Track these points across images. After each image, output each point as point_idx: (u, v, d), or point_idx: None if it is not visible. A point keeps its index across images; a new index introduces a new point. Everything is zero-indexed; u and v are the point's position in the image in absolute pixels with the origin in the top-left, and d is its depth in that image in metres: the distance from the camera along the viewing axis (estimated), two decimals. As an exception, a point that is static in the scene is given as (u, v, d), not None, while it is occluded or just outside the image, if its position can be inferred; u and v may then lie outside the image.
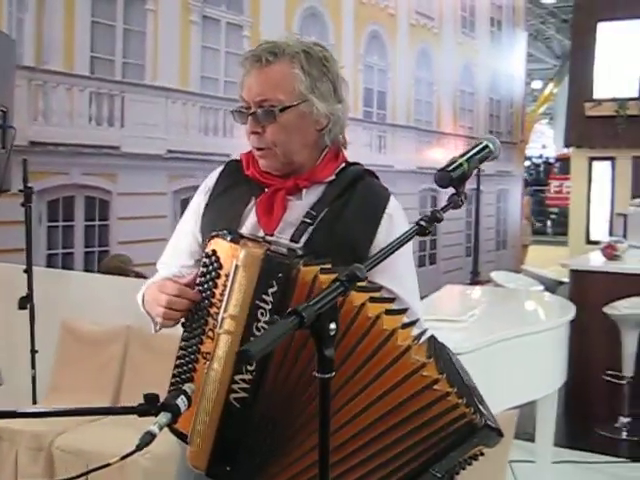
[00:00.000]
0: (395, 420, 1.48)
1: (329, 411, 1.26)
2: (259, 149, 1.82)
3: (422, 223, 1.45)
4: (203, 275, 1.69)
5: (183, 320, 1.77)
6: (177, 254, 2.02)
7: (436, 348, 1.55)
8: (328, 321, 1.24)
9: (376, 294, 1.52)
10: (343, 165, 1.91)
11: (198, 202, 1.97)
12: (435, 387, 1.45)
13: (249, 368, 1.59)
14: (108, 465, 1.51)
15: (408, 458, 1.49)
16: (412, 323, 1.53)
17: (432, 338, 1.56)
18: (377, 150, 9.46)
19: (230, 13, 7.01)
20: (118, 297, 4.39)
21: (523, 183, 27.16)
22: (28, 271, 4.23)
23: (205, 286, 1.69)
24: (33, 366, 4.24)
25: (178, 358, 1.72)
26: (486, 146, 1.66)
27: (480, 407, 1.49)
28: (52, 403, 4.08)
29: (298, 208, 1.82)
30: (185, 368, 1.71)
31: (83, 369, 4.26)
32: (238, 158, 1.95)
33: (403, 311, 1.55)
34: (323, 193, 1.84)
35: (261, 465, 1.63)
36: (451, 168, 1.55)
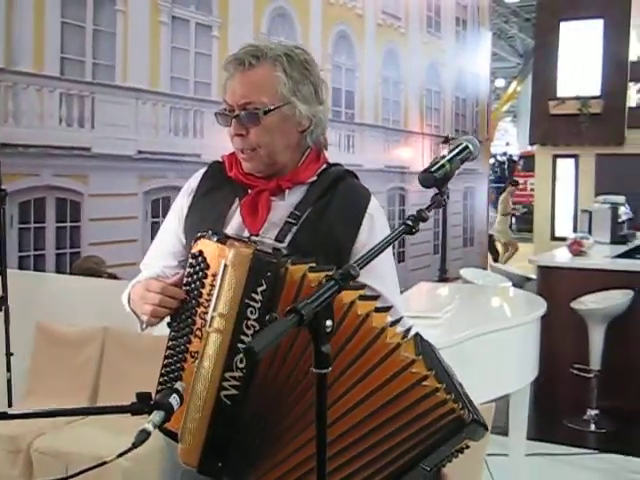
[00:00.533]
0: (386, 416, 1.51)
1: (326, 405, 1.30)
2: (243, 151, 1.85)
3: (409, 222, 1.49)
4: (190, 275, 1.72)
5: (169, 320, 1.80)
6: (160, 255, 2.04)
7: (423, 345, 1.59)
8: (324, 318, 1.28)
9: (364, 292, 1.57)
10: (324, 166, 1.95)
11: (181, 203, 2.00)
12: (424, 383, 1.49)
13: (239, 366, 1.62)
14: (104, 463, 1.53)
15: (399, 453, 1.52)
16: (397, 321, 1.58)
17: (418, 335, 1.60)
18: (346, 149, 9.51)
19: (199, 13, 7.00)
20: (93, 298, 4.40)
21: (506, 178, 27.47)
22: (2, 273, 4.20)
23: (192, 286, 1.71)
24: (8, 369, 4.21)
25: (166, 358, 1.75)
26: (466, 147, 1.72)
27: (466, 401, 1.54)
28: (29, 406, 4.07)
29: (281, 208, 1.86)
30: (174, 367, 1.73)
31: (59, 371, 4.25)
32: (220, 160, 1.98)
33: (388, 309, 1.60)
34: (305, 193, 1.89)
35: (253, 461, 1.66)
36: (434, 169, 1.60)
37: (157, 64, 6.59)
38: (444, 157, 1.65)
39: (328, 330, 1.28)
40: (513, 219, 26.54)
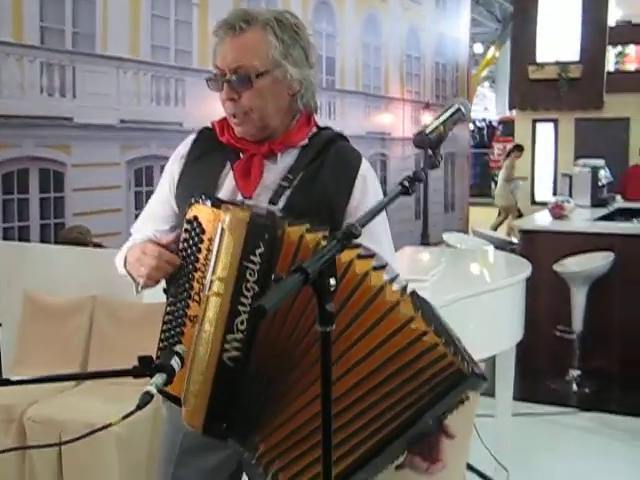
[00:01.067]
0: (388, 372, 1.54)
1: (330, 362, 1.33)
2: (235, 115, 1.86)
3: (405, 183, 1.51)
4: (185, 240, 1.74)
5: (164, 286, 1.82)
6: (152, 219, 2.06)
7: (420, 302, 1.62)
8: (328, 276, 1.30)
9: (361, 251, 1.60)
10: (315, 130, 1.97)
11: (171, 170, 2.01)
12: (424, 339, 1.52)
13: (240, 327, 1.65)
14: (110, 425, 1.55)
15: (402, 407, 1.55)
16: (394, 278, 1.61)
17: (414, 293, 1.63)
18: (327, 116, 9.50)
19: (178, -19, 6.95)
20: (81, 268, 4.40)
21: (485, 143, 27.46)
22: (-12, 244, 4.20)
23: (189, 251, 1.74)
24: (-3, 339, 4.21)
25: (165, 323, 1.78)
26: (458, 109, 1.75)
27: (465, 355, 1.58)
28: (19, 376, 4.08)
29: (274, 172, 1.88)
30: (173, 332, 1.76)
31: (48, 341, 4.25)
32: (210, 126, 1.99)
33: (385, 267, 1.63)
34: (298, 156, 1.90)
35: (258, 422, 1.69)
36: (428, 131, 1.63)
37: (137, 32, 6.55)
38: (437, 119, 1.68)
39: (332, 289, 1.31)
40: (493, 185, 26.73)
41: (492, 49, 29.78)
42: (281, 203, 1.83)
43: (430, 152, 1.66)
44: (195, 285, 1.72)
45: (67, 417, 3.56)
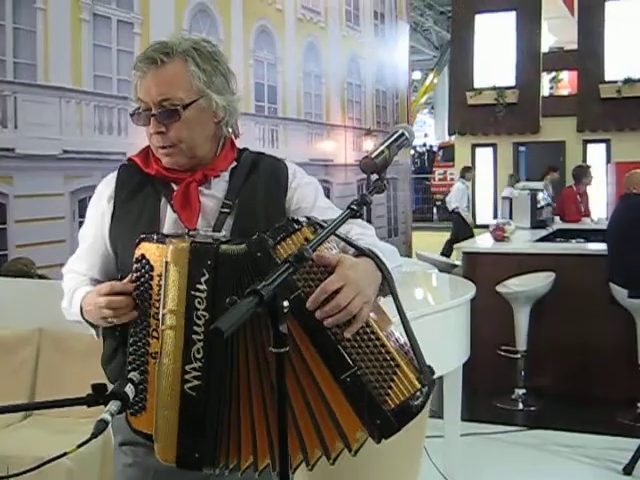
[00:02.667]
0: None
1: (285, 383, 1.36)
2: (163, 147, 1.87)
3: (353, 207, 1.57)
4: (137, 280, 1.77)
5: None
6: (84, 261, 2.03)
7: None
8: (281, 299, 1.34)
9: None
10: (237, 152, 2.01)
11: (100, 212, 1.97)
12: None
13: (197, 356, 1.67)
14: (65, 454, 1.56)
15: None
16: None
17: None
18: (270, 144, 9.53)
19: (120, 10, 6.93)
20: (26, 300, 4.34)
21: (426, 169, 27.77)
22: None
23: (141, 289, 1.76)
24: (-60, 375, 4.13)
25: (129, 364, 1.78)
26: (402, 134, 1.80)
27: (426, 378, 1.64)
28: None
29: (210, 198, 1.91)
30: (138, 371, 1.77)
31: (-6, 374, 4.18)
32: (126, 162, 1.99)
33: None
34: (230, 179, 1.94)
35: (222, 441, 1.71)
36: (374, 155, 1.68)
37: (79, 62, 6.51)
38: (383, 144, 1.73)
39: (285, 310, 1.35)
40: (434, 209, 27.05)
41: (430, 76, 30.32)
42: (226, 230, 1.85)
43: (376, 176, 1.71)
44: (152, 322, 1.75)
45: (14, 452, 3.49)
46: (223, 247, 1.69)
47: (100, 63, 6.68)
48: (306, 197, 1.97)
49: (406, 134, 1.81)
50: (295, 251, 1.39)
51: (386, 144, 1.74)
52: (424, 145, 31.48)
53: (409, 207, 14.89)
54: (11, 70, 5.89)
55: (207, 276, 1.66)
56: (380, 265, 1.69)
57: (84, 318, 1.91)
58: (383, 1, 13.55)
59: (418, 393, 1.60)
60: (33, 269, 5.04)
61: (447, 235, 15.54)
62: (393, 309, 1.68)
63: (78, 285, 1.98)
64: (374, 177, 1.70)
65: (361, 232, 1.89)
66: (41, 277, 5.05)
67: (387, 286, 1.70)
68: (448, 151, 22.70)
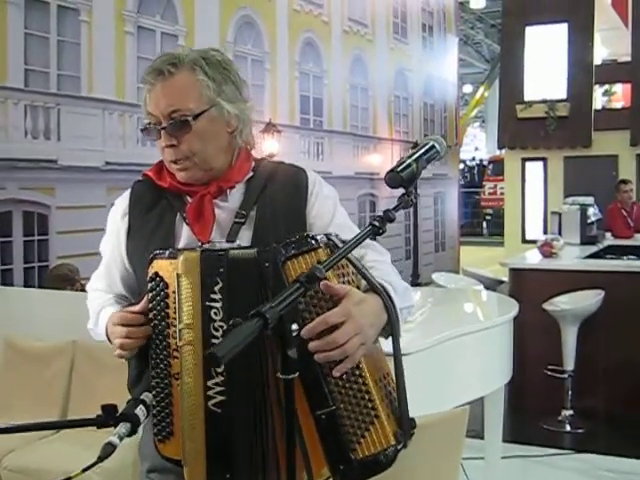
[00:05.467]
0: None
1: (295, 410, 1.27)
2: (176, 162, 1.80)
3: (375, 223, 1.48)
4: (153, 299, 1.70)
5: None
6: (104, 278, 1.97)
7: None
8: (290, 322, 1.25)
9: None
10: (254, 163, 1.93)
11: (116, 229, 1.92)
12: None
13: (218, 370, 1.59)
14: (69, 479, 1.50)
15: None
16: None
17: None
18: (315, 157, 9.50)
19: (165, 23, 6.97)
20: (62, 312, 4.33)
21: (476, 183, 27.63)
22: (-31, 288, 4.15)
23: (158, 309, 1.69)
24: (-24, 385, 4.15)
25: (152, 387, 1.71)
26: (433, 146, 1.70)
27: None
28: (-3, 423, 4.00)
29: (226, 210, 1.84)
30: (162, 395, 1.70)
31: (29, 386, 4.18)
32: (141, 178, 1.92)
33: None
34: (245, 191, 1.86)
35: (259, 461, 1.63)
36: (400, 169, 1.58)
37: (123, 74, 6.55)
38: (410, 157, 1.63)
39: (294, 334, 1.26)
40: (484, 223, 26.78)
41: (481, 89, 30.10)
42: (243, 242, 1.77)
43: (404, 190, 1.61)
44: (172, 342, 1.67)
45: (44, 466, 3.47)
46: (232, 252, 1.63)
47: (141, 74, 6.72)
48: (324, 212, 1.87)
49: (437, 147, 1.71)
50: (305, 271, 1.30)
51: (414, 157, 1.64)
52: (474, 159, 31.25)
53: (457, 221, 14.73)
54: (55, 82, 5.94)
55: (221, 284, 1.60)
56: (388, 306, 1.59)
57: (110, 340, 1.84)
58: (432, 14, 13.49)
59: (390, 449, 1.53)
60: (77, 276, 5.05)
61: (498, 250, 15.37)
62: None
63: (104, 304, 1.92)
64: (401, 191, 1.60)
65: (375, 259, 1.81)
66: (84, 286, 5.05)
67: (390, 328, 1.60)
68: (498, 165, 22.44)
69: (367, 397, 1.52)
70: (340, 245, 1.52)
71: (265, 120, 8.13)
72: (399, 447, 1.53)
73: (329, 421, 1.50)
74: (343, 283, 1.56)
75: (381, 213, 1.50)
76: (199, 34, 7.34)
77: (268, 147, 8.09)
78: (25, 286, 5.76)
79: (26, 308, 4.51)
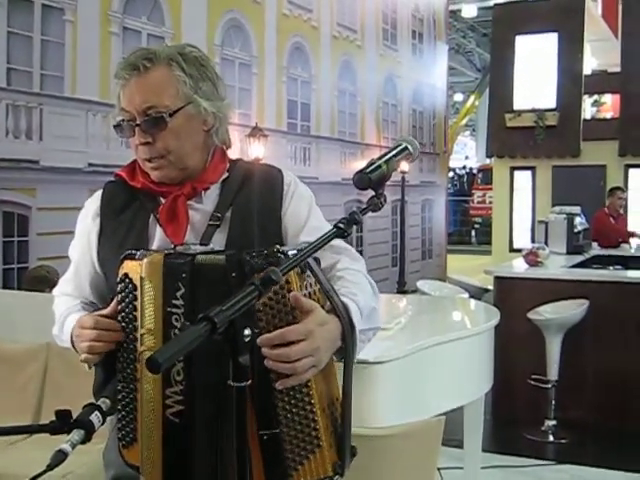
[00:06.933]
0: None
1: (245, 420, 1.22)
2: (150, 160, 1.75)
3: (340, 225, 1.44)
4: (122, 301, 1.66)
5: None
6: (72, 282, 1.93)
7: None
8: (242, 327, 1.20)
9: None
10: (229, 163, 1.89)
11: (87, 231, 1.87)
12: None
13: (177, 378, 1.55)
14: (18, 487, 1.44)
15: None
16: None
17: None
18: (302, 162, 9.46)
19: (151, 24, 6.92)
20: (36, 314, 4.25)
21: (465, 191, 27.68)
22: (-57, 289, 4.08)
23: (126, 310, 1.65)
24: (-53, 388, 4.07)
25: (118, 392, 1.67)
26: (405, 147, 1.66)
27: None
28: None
29: (201, 212, 1.79)
30: (127, 400, 1.66)
31: (2, 390, 4.10)
32: (113, 179, 1.88)
33: None
34: (221, 192, 1.82)
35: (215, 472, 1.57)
36: (369, 170, 1.54)
37: (107, 75, 6.48)
38: (381, 158, 1.58)
39: (247, 340, 1.20)
40: (472, 232, 26.81)
41: (472, 98, 30.17)
42: (218, 245, 1.72)
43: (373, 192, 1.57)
44: (139, 346, 1.62)
45: (11, 471, 3.39)
46: (199, 257, 1.56)
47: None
48: (298, 214, 1.83)
49: (409, 148, 1.67)
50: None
51: (385, 158, 1.59)
52: (464, 167, 31.31)
53: (444, 229, 14.71)
54: (38, 82, 5.89)
55: (183, 290, 1.54)
56: (346, 333, 1.55)
57: (75, 348, 1.79)
58: (421, 21, 13.50)
59: None
60: (56, 278, 4.97)
61: (486, 258, 15.37)
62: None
63: (71, 310, 1.87)
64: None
65: (348, 267, 1.77)
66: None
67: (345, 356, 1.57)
68: (487, 174, 22.49)
69: (312, 425, 1.48)
70: (313, 269, 1.48)
71: (252, 124, 8.09)
72: (335, 478, 1.50)
73: (271, 442, 1.47)
74: (308, 295, 1.51)
75: (347, 215, 1.46)
76: (186, 36, 7.29)
77: (254, 151, 8.05)
78: (4, 288, 5.69)
79: (1, 310, 4.44)
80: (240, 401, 1.22)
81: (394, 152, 1.63)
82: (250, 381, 1.24)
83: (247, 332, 1.20)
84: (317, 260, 1.54)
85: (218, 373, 1.45)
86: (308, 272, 1.49)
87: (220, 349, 1.36)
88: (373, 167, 1.55)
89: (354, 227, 1.48)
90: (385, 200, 1.57)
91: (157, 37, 6.97)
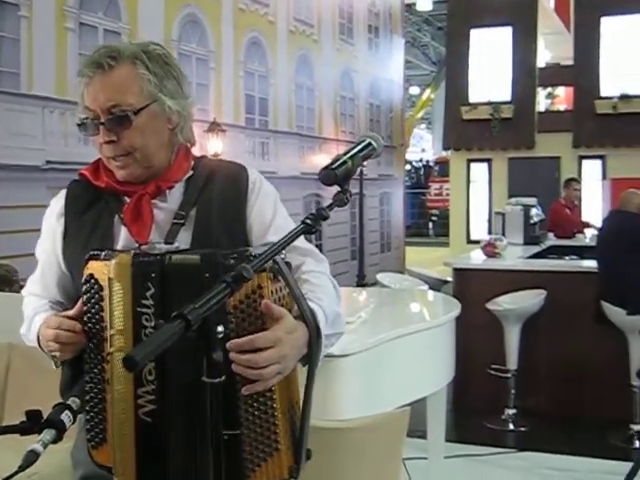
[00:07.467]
0: None
1: (219, 417, 1.24)
2: (115, 158, 1.75)
3: (308, 221, 1.45)
4: (88, 302, 1.66)
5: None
6: (40, 282, 1.93)
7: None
8: (215, 324, 1.22)
9: None
10: (194, 161, 1.89)
11: (52, 230, 1.87)
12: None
13: (149, 378, 1.56)
14: (-7, 490, 1.45)
15: None
16: None
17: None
18: (260, 157, 9.45)
19: (107, 20, 6.85)
20: (-3, 313, 4.21)
21: (422, 184, 27.83)
22: None
23: (92, 311, 1.65)
24: None
25: (86, 392, 1.67)
26: (369, 144, 1.67)
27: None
28: None
29: (165, 210, 1.80)
30: (96, 400, 1.66)
31: (-38, 391, 4.05)
32: (77, 178, 1.88)
33: None
34: (185, 190, 1.82)
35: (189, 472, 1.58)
36: (335, 166, 1.55)
37: (64, 72, 6.41)
38: (346, 154, 1.61)
39: (220, 336, 1.22)
40: (430, 224, 26.99)
41: (428, 91, 30.33)
42: (183, 243, 1.73)
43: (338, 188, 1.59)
44: (106, 346, 1.62)
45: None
46: (173, 257, 1.57)
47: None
48: (264, 212, 1.84)
49: (374, 144, 1.69)
50: (242, 288, 1.27)
51: (350, 154, 1.61)
52: (420, 160, 31.47)
53: (402, 222, 14.80)
54: (-7, 79, 5.80)
55: (153, 290, 1.55)
56: (312, 341, 1.58)
57: (41, 347, 1.80)
58: (377, 15, 13.54)
59: None
60: (15, 277, 4.93)
61: (444, 250, 15.50)
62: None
63: (38, 310, 1.86)
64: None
65: (312, 269, 1.78)
66: (22, 287, 4.93)
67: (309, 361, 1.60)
68: (444, 166, 22.66)
69: (273, 428, 1.51)
70: (279, 260, 1.49)
71: (210, 119, 8.06)
72: None
73: (231, 443, 1.49)
74: (277, 299, 1.53)
75: (314, 211, 1.48)
76: (143, 32, 7.23)
77: (212, 147, 8.02)
78: (-40, 288, 5.61)
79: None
80: (214, 397, 1.23)
81: (358, 148, 1.65)
82: (224, 377, 1.25)
83: (220, 329, 1.22)
84: (289, 265, 1.56)
85: (190, 371, 1.46)
86: (279, 277, 1.51)
87: (191, 347, 1.38)
88: (339, 163, 1.56)
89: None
90: (351, 195, 1.59)
91: (114, 33, 6.91)
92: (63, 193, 1.89)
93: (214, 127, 8.05)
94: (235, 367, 1.43)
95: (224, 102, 8.78)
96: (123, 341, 1.57)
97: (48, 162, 6.29)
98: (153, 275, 1.55)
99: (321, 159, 11.05)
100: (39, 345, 1.80)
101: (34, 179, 6.15)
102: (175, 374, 1.53)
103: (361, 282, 11.83)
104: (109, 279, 1.59)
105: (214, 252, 1.54)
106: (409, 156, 24.69)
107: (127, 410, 1.58)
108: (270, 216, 1.84)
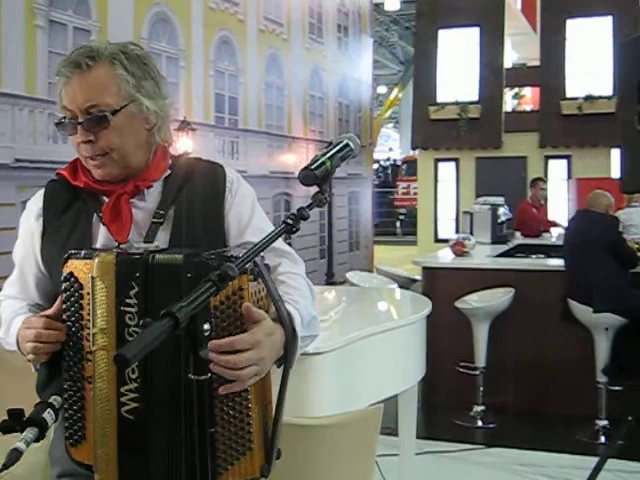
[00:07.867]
0: None
1: (205, 413, 1.26)
2: (93, 158, 1.76)
3: (289, 221, 1.48)
4: (67, 300, 1.66)
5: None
6: (18, 283, 1.92)
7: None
8: (202, 322, 1.24)
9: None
10: (171, 160, 1.91)
11: (30, 231, 1.87)
12: None
13: (132, 376, 1.57)
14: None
15: None
16: None
17: None
18: (229, 156, 9.42)
19: (77, 18, 6.79)
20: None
21: (390, 183, 27.87)
22: None
23: (72, 310, 1.66)
24: None
25: (65, 391, 1.67)
26: (347, 144, 1.70)
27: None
28: None
29: (144, 210, 1.81)
30: (75, 398, 1.67)
31: None
32: (55, 177, 1.88)
33: None
34: (163, 189, 1.84)
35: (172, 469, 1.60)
36: (314, 166, 1.58)
37: (34, 69, 6.35)
38: (324, 154, 1.63)
39: (206, 334, 1.25)
40: (397, 223, 27.10)
41: (395, 90, 30.47)
42: (162, 242, 1.75)
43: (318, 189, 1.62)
44: (86, 344, 1.63)
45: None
46: (157, 257, 1.59)
47: (55, 70, 6.54)
48: (241, 212, 1.86)
49: (351, 144, 1.72)
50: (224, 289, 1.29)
51: (328, 155, 1.64)
52: (388, 159, 31.59)
53: (371, 221, 14.85)
54: (-41, 76, 5.73)
55: (136, 289, 1.57)
56: (288, 343, 1.62)
57: (21, 350, 1.78)
58: (346, 14, 13.56)
59: None
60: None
61: (411, 249, 15.58)
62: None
63: (17, 313, 1.86)
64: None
65: (288, 271, 1.82)
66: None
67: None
68: (412, 165, 22.76)
69: (247, 428, 1.54)
70: (259, 262, 1.52)
71: (180, 118, 8.04)
72: None
73: (204, 439, 1.51)
74: (256, 301, 1.56)
75: (295, 211, 1.50)
76: (112, 29, 7.18)
77: (182, 145, 8.00)
78: None
79: None
80: (200, 394, 1.26)
81: (337, 149, 1.68)
82: (209, 375, 1.27)
83: (206, 327, 1.25)
84: (268, 267, 1.59)
85: (174, 369, 1.49)
86: (259, 279, 1.54)
87: (175, 345, 1.41)
88: (318, 164, 1.59)
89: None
90: (330, 195, 1.62)
91: (84, 30, 6.85)
92: (41, 194, 1.89)
93: (184, 126, 8.03)
94: (214, 367, 1.45)
95: (194, 101, 8.75)
96: (106, 339, 1.59)
97: (17, 160, 6.22)
98: (137, 274, 1.56)
99: (290, 158, 11.06)
100: (18, 348, 1.79)
101: (3, 177, 6.09)
102: (159, 372, 1.54)
103: (330, 281, 11.86)
104: (92, 278, 1.59)
105: (196, 252, 1.56)
106: (377, 155, 24.76)
107: (109, 408, 1.59)
108: (248, 216, 1.86)
